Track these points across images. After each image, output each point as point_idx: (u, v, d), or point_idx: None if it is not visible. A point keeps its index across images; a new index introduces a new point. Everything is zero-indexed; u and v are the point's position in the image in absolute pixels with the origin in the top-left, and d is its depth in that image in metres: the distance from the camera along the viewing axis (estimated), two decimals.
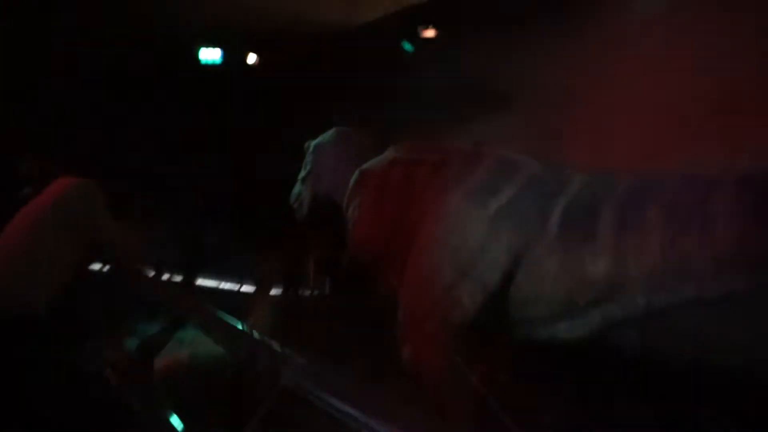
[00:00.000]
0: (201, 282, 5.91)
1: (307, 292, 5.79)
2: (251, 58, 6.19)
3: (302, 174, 3.93)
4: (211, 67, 5.96)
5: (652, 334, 2.16)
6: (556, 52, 4.54)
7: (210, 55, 6.07)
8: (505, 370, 2.57)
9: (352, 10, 6.79)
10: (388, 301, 3.42)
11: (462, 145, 3.06)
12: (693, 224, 1.94)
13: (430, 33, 5.09)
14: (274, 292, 6.09)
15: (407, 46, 5.36)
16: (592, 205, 2.24)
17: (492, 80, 5.06)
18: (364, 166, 3.31)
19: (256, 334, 4.16)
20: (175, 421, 3.42)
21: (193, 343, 4.68)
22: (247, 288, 5.94)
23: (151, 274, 3.98)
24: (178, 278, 5.79)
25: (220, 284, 5.92)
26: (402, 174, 3.05)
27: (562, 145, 4.31)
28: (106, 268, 3.48)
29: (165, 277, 5.35)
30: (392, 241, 3.00)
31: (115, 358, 3.71)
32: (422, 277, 2.69)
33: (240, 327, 4.36)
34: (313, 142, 3.91)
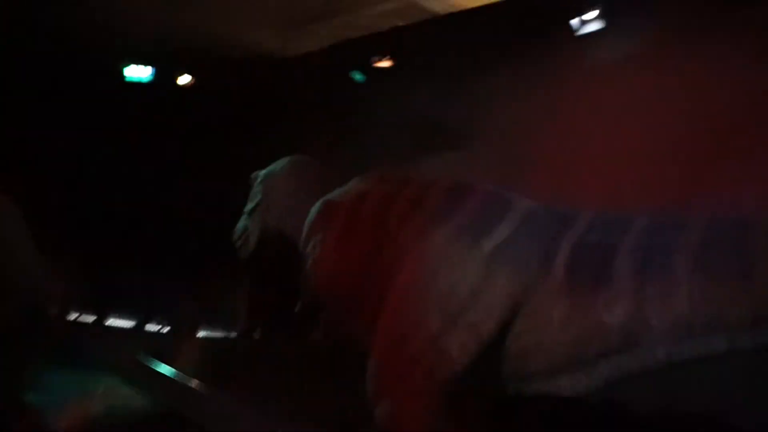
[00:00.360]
0: (118, 323, 5.26)
1: (239, 334, 5.31)
2: (184, 79, 5.75)
3: (249, 206, 3.56)
4: (137, 86, 5.46)
5: (669, 389, 1.97)
6: (517, 88, 4.49)
7: (137, 72, 5.57)
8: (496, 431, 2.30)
9: (291, 39, 6.58)
10: (346, 348, 3.09)
11: (439, 178, 2.81)
12: (726, 270, 1.78)
13: (383, 63, 4.89)
14: (201, 334, 5.53)
15: (358, 77, 5.14)
16: (604, 246, 2.05)
17: (446, 115, 4.93)
18: (328, 196, 3.00)
19: (188, 381, 3.68)
20: None
21: (107, 395, 4.09)
22: (170, 330, 5.35)
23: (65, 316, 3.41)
24: (88, 319, 5.14)
25: (140, 325, 5.30)
26: (373, 208, 2.76)
27: (520, 184, 4.20)
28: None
29: (74, 317, 4.71)
30: (362, 283, 2.68)
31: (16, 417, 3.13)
32: (403, 324, 2.39)
33: (167, 373, 3.86)
34: (262, 172, 3.55)
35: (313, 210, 3.02)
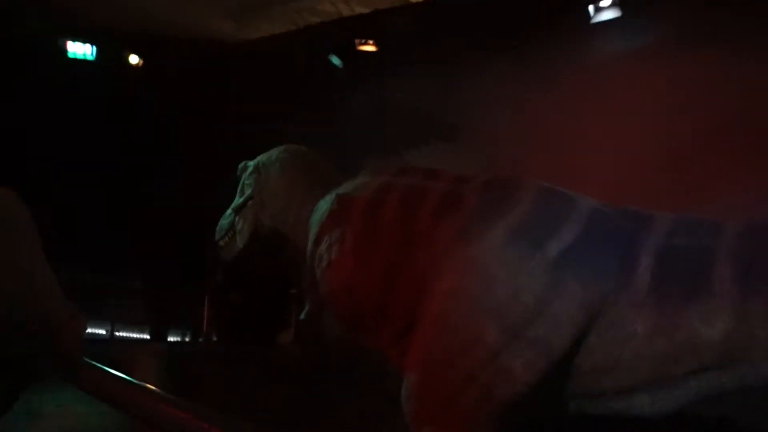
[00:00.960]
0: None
1: (206, 341, 4.84)
2: (133, 59, 5.17)
3: (237, 202, 3.12)
4: (81, 63, 4.85)
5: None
6: (507, 82, 4.30)
7: (79, 49, 4.96)
8: None
9: (246, 23, 6.15)
10: (360, 361, 2.77)
11: (473, 172, 2.53)
12: None
13: (367, 48, 4.56)
14: (170, 339, 5.01)
15: (335, 61, 4.77)
16: (698, 252, 1.84)
17: (425, 105, 4.67)
18: (340, 190, 2.65)
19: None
20: None
21: (60, 413, 3.59)
22: (129, 335, 4.77)
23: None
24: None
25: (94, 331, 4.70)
26: (400, 203, 2.44)
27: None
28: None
29: None
30: (389, 288, 2.36)
31: None
32: (450, 338, 2.09)
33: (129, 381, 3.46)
34: (253, 162, 3.13)
35: (324, 206, 2.66)
